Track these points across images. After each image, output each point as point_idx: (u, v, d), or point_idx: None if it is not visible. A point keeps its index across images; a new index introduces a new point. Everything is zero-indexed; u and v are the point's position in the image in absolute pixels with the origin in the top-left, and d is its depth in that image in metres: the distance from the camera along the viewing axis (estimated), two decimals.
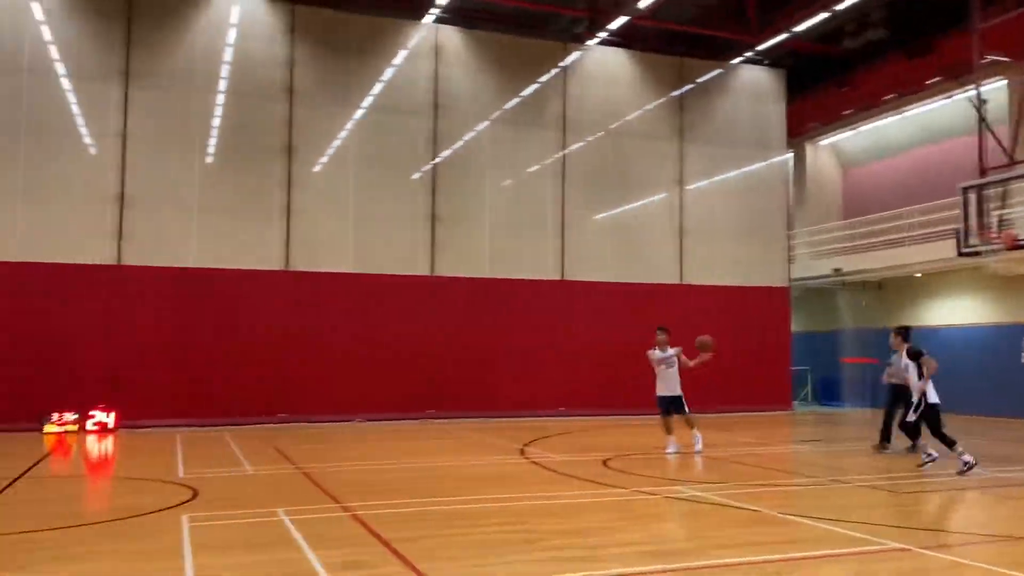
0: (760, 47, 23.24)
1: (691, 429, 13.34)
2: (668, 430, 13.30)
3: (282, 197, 19.41)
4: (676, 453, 13.00)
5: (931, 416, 11.30)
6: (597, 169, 22.40)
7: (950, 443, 11.06)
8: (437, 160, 20.84)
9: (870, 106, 25.02)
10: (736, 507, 8.66)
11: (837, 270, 24.39)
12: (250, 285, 18.92)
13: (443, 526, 7.66)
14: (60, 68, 18.06)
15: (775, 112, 24.42)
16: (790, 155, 26.19)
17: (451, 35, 21.30)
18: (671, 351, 13.39)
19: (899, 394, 13.13)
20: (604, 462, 12.22)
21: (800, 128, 26.52)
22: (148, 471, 11.40)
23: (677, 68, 23.44)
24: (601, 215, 22.53)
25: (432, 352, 20.07)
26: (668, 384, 13.35)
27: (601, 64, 22.75)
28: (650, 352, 13.53)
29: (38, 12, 17.92)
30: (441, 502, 9.00)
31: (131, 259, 18.14)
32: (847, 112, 25.77)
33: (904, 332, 12.29)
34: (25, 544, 6.92)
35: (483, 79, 21.48)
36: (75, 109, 18.18)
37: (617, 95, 22.79)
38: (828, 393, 25.64)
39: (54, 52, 18.01)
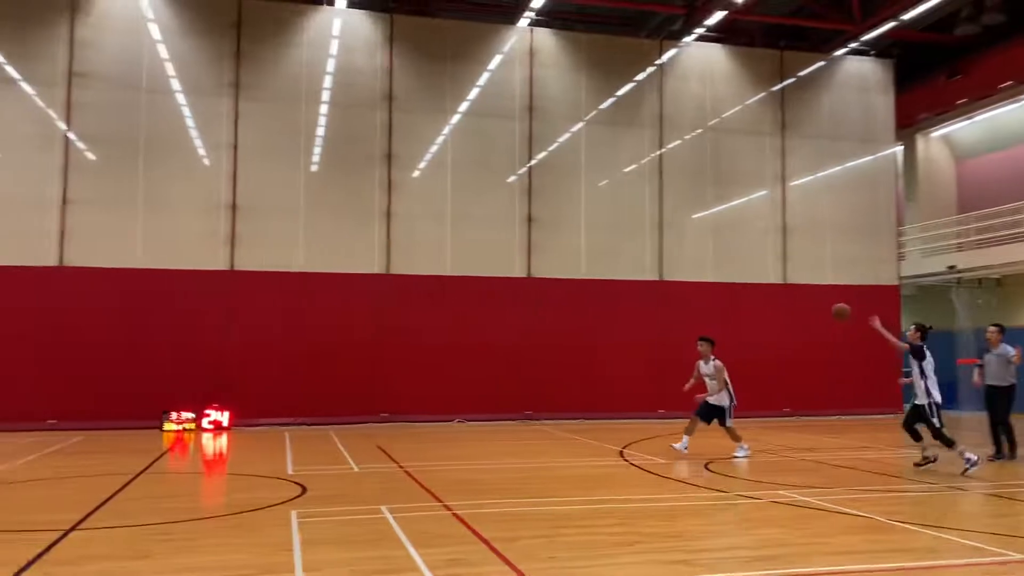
0: (865, 37, 22.42)
1: (735, 443, 13.02)
2: (689, 431, 13.11)
3: (382, 202, 19.90)
4: (684, 449, 12.91)
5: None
6: (695, 167, 22.07)
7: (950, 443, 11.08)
8: (533, 162, 20.95)
9: (985, 94, 23.78)
10: (844, 512, 8.39)
11: (952, 267, 23.27)
12: (352, 288, 19.49)
13: (544, 527, 7.71)
14: (175, 84, 19.03)
15: (882, 104, 23.50)
16: (899, 148, 25.16)
17: (545, 37, 21.38)
18: (712, 364, 13.05)
19: (996, 395, 12.53)
20: (705, 465, 12.03)
21: (909, 119, 25.43)
22: (260, 468, 11.88)
23: (777, 62, 22.86)
24: (700, 214, 22.17)
25: (529, 354, 20.20)
26: (717, 395, 13.07)
27: (698, 60, 22.41)
28: (698, 363, 13.35)
29: (155, 31, 18.93)
30: (541, 503, 9.05)
31: (243, 264, 18.94)
32: (960, 102, 24.55)
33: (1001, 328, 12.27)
34: (154, 536, 7.33)
35: (578, 80, 21.48)
36: (189, 123, 19.12)
37: (715, 91, 22.40)
38: (942, 396, 24.41)
39: (170, 69, 18.99)
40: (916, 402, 11.49)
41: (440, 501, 9.01)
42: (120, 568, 6.16)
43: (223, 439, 16.47)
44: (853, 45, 22.97)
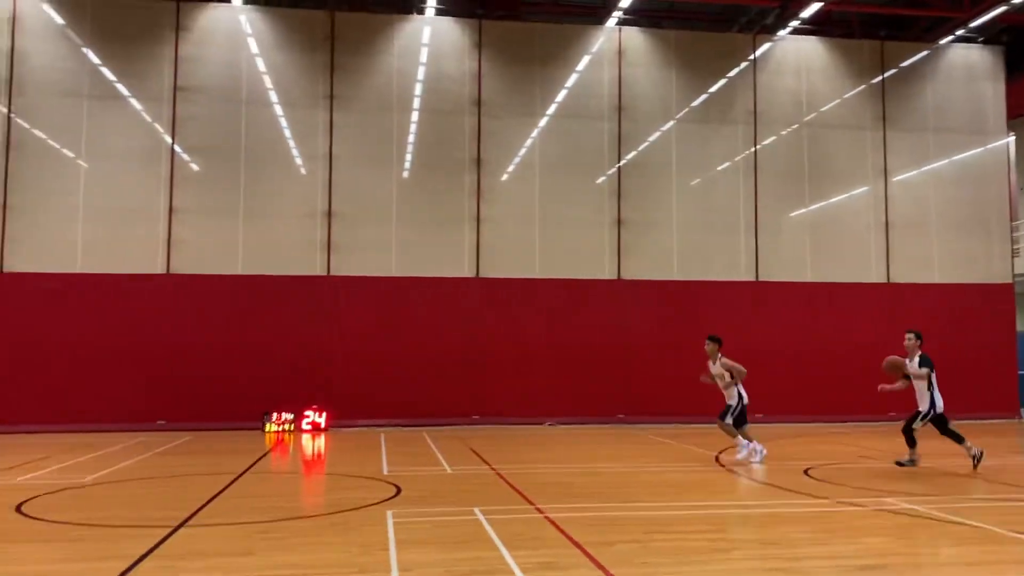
0: (972, 24, 21.35)
1: (733, 438, 12.66)
2: (735, 436, 12.65)
3: (471, 206, 20.09)
4: (753, 457, 12.36)
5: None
6: (791, 164, 21.46)
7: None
8: (622, 163, 20.78)
9: None
10: (955, 522, 7.98)
11: None
12: (444, 292, 19.73)
13: (638, 531, 7.61)
14: (273, 96, 19.69)
15: (992, 92, 22.34)
16: (1011, 138, 23.85)
17: (634, 36, 21.19)
18: (720, 364, 12.59)
19: None
20: (805, 471, 11.66)
21: (1022, 108, 24.07)
22: (356, 468, 12.14)
23: (877, 53, 22.01)
24: (797, 212, 21.54)
25: (622, 356, 20.03)
26: (727, 393, 12.65)
27: (793, 54, 21.79)
28: (708, 363, 12.92)
29: (253, 46, 19.63)
30: (635, 507, 8.94)
31: (339, 270, 19.43)
32: None
33: None
34: (256, 533, 7.57)
35: (668, 78, 21.19)
36: (287, 133, 19.75)
37: (811, 85, 21.74)
38: None
39: (267, 82, 19.66)
40: (922, 409, 11.70)
41: (532, 504, 9.01)
42: (226, 564, 6.38)
43: (321, 440, 16.91)
44: (960, 32, 21.90)
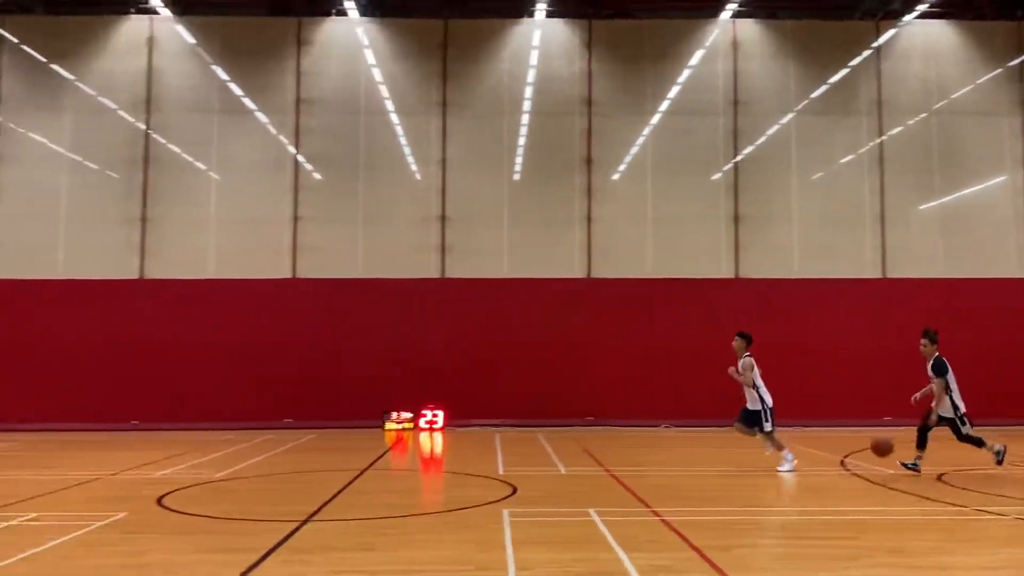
0: None
1: (774, 450, 11.76)
2: (776, 446, 11.81)
3: (582, 207, 20.05)
4: (790, 471, 11.47)
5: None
6: (921, 154, 20.41)
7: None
8: (739, 158, 20.28)
9: None
10: None
11: None
12: (556, 292, 19.75)
13: (758, 536, 7.40)
14: (389, 105, 20.25)
15: None
16: None
17: (749, 28, 20.65)
18: (741, 363, 11.75)
19: None
20: (938, 476, 11.05)
21: None
22: (473, 467, 12.32)
23: (1013, 34, 20.66)
24: (928, 204, 20.46)
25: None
26: (748, 395, 11.77)
27: (920, 39, 20.72)
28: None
29: (370, 57, 20.25)
30: (756, 512, 8.71)
31: (453, 272, 19.78)
32: None
33: None
34: (377, 529, 7.80)
35: (785, 69, 20.55)
36: (402, 141, 20.27)
37: (941, 71, 20.61)
38: None
39: (383, 91, 20.24)
40: (945, 415, 11.08)
41: (648, 506, 8.90)
42: (348, 558, 6.60)
43: (438, 439, 17.24)
44: None
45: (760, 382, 11.71)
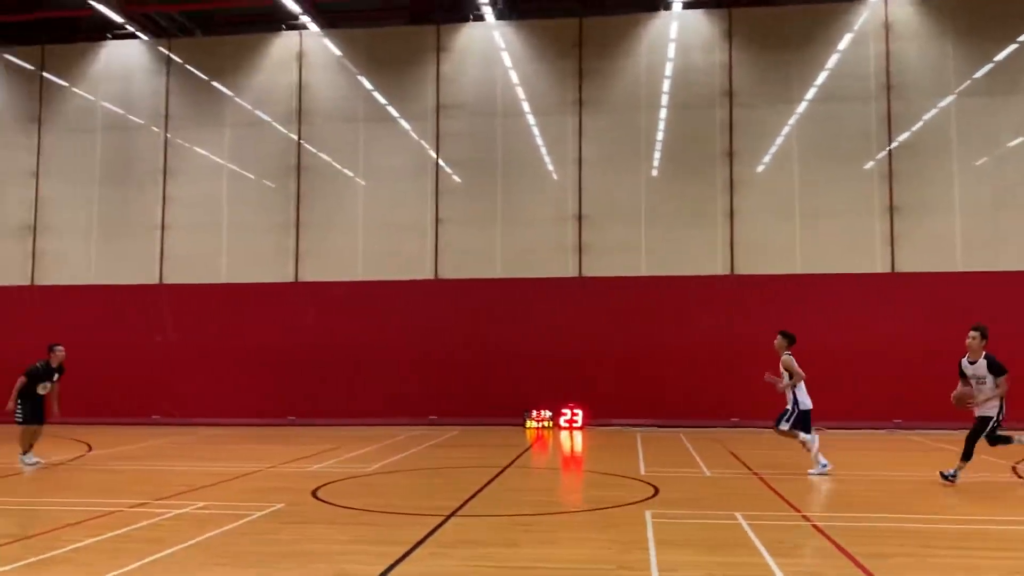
0: None
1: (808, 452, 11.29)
2: (807, 448, 11.37)
3: (724, 201, 19.53)
4: (813, 468, 11.18)
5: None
6: None
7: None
8: (893, 145, 19.18)
9: None
10: None
11: None
12: (695, 290, 19.33)
13: (918, 545, 6.98)
14: (525, 107, 20.44)
15: None
16: None
17: (902, 7, 19.49)
18: (781, 363, 11.38)
19: None
20: None
21: None
22: (613, 466, 12.25)
23: None
24: None
25: (898, 357, 18.35)
26: (787, 396, 11.40)
27: None
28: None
29: (506, 59, 20.51)
30: (912, 519, 8.21)
31: (590, 271, 19.75)
32: None
33: None
34: (520, 526, 7.90)
35: (943, 49, 19.27)
36: (538, 141, 20.41)
37: None
38: None
39: (520, 93, 20.45)
40: (985, 414, 10.21)
41: (797, 511, 8.57)
42: (494, 554, 6.71)
43: (578, 437, 17.25)
44: None
45: (801, 383, 11.40)
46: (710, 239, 19.56)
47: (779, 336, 11.69)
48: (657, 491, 9.78)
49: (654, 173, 20.05)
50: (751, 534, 7.35)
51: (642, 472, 11.69)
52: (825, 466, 11.25)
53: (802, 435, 11.34)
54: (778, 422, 11.53)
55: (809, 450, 11.39)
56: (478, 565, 6.31)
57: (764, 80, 19.75)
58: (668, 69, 20.09)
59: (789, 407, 11.43)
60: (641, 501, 9.10)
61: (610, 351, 19.36)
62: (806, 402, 11.34)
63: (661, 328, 19.36)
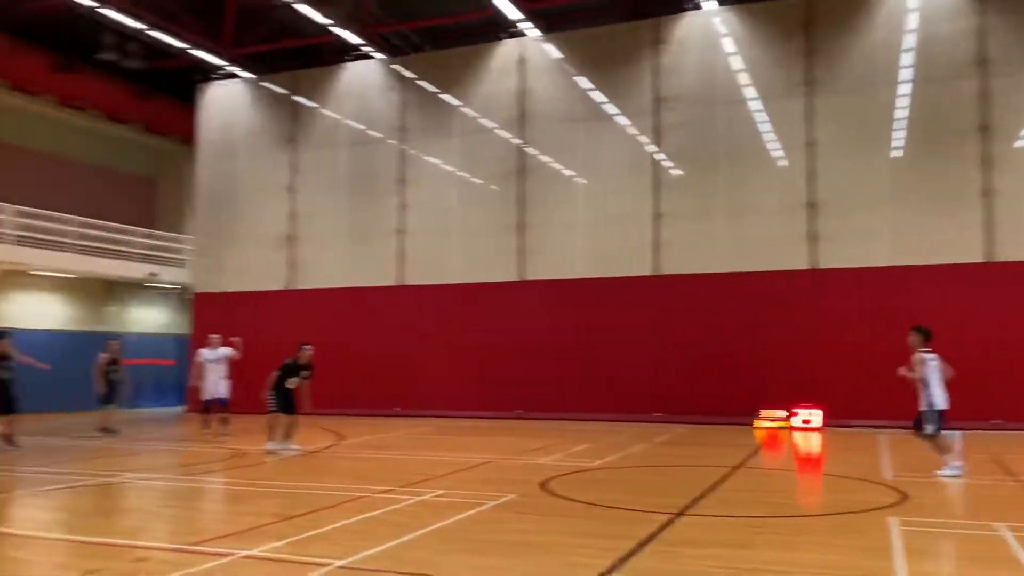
0: None
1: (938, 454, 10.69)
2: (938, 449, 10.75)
3: (980, 179, 17.66)
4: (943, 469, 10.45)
5: None
6: None
7: None
8: None
9: None
10: None
11: None
12: (949, 280, 17.63)
13: None
14: (749, 92, 19.66)
15: None
16: None
17: None
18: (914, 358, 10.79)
19: None
20: None
21: None
22: (854, 470, 11.49)
23: None
24: None
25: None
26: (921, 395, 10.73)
27: None
28: None
29: (728, 46, 19.85)
30: None
31: (826, 262, 18.63)
32: None
33: None
34: (753, 527, 7.64)
35: None
36: (764, 127, 19.56)
37: None
38: None
39: (743, 79, 19.70)
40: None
41: None
42: (724, 554, 6.53)
43: (814, 438, 16.36)
44: None
45: (934, 380, 10.80)
46: (964, 223, 17.70)
47: (912, 332, 11.27)
48: (904, 497, 9.05)
49: (896, 153, 18.55)
50: (1017, 548, 6.60)
51: (886, 476, 10.88)
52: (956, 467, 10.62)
53: (932, 437, 10.87)
54: (916, 425, 10.95)
55: (944, 451, 10.81)
56: (708, 565, 6.17)
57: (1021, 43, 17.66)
58: (908, 41, 18.47)
59: (925, 407, 10.89)
60: (886, 507, 8.46)
61: (846, 347, 18.13)
62: (940, 401, 10.89)
63: (909, 321, 17.81)
